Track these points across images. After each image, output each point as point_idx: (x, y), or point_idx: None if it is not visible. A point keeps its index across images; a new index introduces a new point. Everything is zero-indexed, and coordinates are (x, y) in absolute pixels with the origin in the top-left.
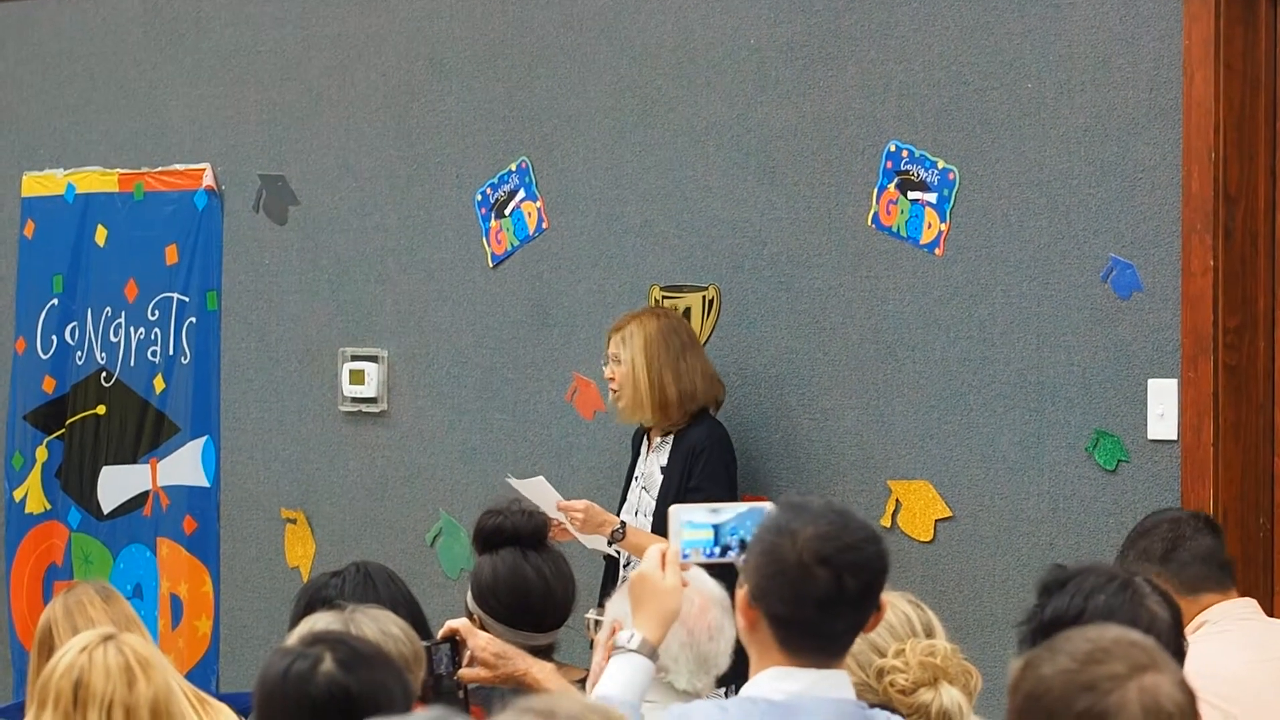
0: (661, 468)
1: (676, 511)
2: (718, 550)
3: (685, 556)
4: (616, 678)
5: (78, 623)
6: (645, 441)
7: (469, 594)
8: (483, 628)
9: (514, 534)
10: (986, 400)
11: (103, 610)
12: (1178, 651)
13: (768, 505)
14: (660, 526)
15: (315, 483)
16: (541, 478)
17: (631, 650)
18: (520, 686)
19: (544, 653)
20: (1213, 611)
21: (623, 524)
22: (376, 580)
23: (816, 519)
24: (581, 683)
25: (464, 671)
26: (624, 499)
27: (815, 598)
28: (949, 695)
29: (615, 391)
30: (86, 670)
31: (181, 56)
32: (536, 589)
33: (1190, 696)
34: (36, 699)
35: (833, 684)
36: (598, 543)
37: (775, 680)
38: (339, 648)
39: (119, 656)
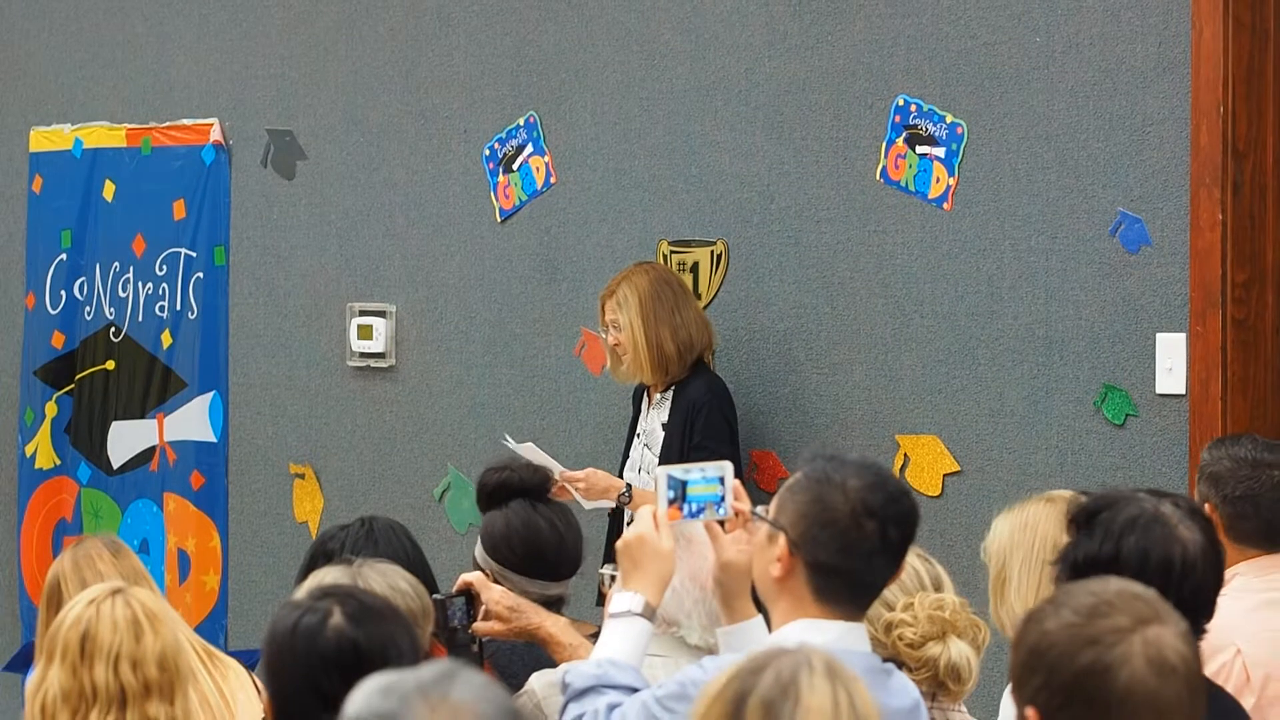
0: (662, 424)
1: (662, 472)
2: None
3: (695, 515)
4: (621, 641)
5: (86, 576)
6: (645, 398)
7: (479, 548)
8: (495, 581)
9: (521, 487)
10: (995, 355)
11: (111, 564)
12: (1217, 566)
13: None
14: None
15: (323, 438)
16: (531, 444)
17: (636, 614)
18: (534, 640)
19: (556, 604)
20: (1243, 566)
21: (628, 487)
22: (383, 535)
23: (860, 471)
24: (594, 637)
25: (478, 625)
26: (626, 456)
27: (861, 549)
28: (957, 649)
29: (620, 356)
30: (94, 623)
31: (189, 11)
32: (549, 538)
33: (1194, 648)
34: (45, 651)
35: (856, 637)
36: (599, 503)
37: (804, 632)
38: (348, 602)
39: (127, 610)
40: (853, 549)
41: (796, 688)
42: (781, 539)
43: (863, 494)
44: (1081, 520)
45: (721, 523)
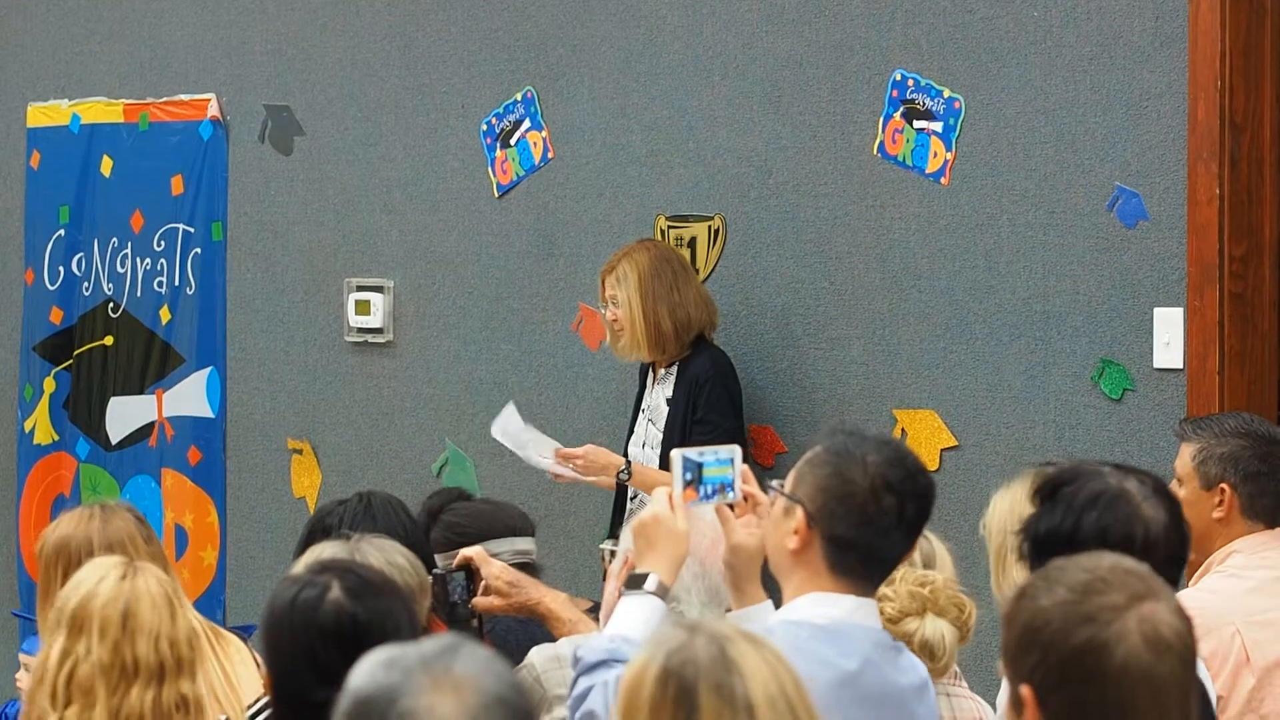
0: (667, 399)
1: (678, 455)
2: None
3: (709, 497)
4: (634, 618)
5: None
6: (651, 374)
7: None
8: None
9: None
10: (992, 329)
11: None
12: (1181, 545)
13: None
14: (667, 460)
15: (321, 413)
16: (511, 406)
17: (650, 592)
18: (533, 615)
19: (534, 571)
20: (1242, 542)
21: (628, 463)
22: (381, 510)
23: (880, 447)
24: (592, 611)
25: (478, 600)
26: (631, 431)
27: (879, 524)
28: (933, 626)
29: (618, 333)
30: (134, 599)
31: None
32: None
33: (1188, 623)
34: (64, 625)
35: (867, 612)
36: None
37: (816, 605)
38: (347, 576)
39: (159, 587)
40: (871, 523)
41: (733, 661)
42: (799, 512)
43: (883, 469)
44: (1045, 493)
45: (730, 506)
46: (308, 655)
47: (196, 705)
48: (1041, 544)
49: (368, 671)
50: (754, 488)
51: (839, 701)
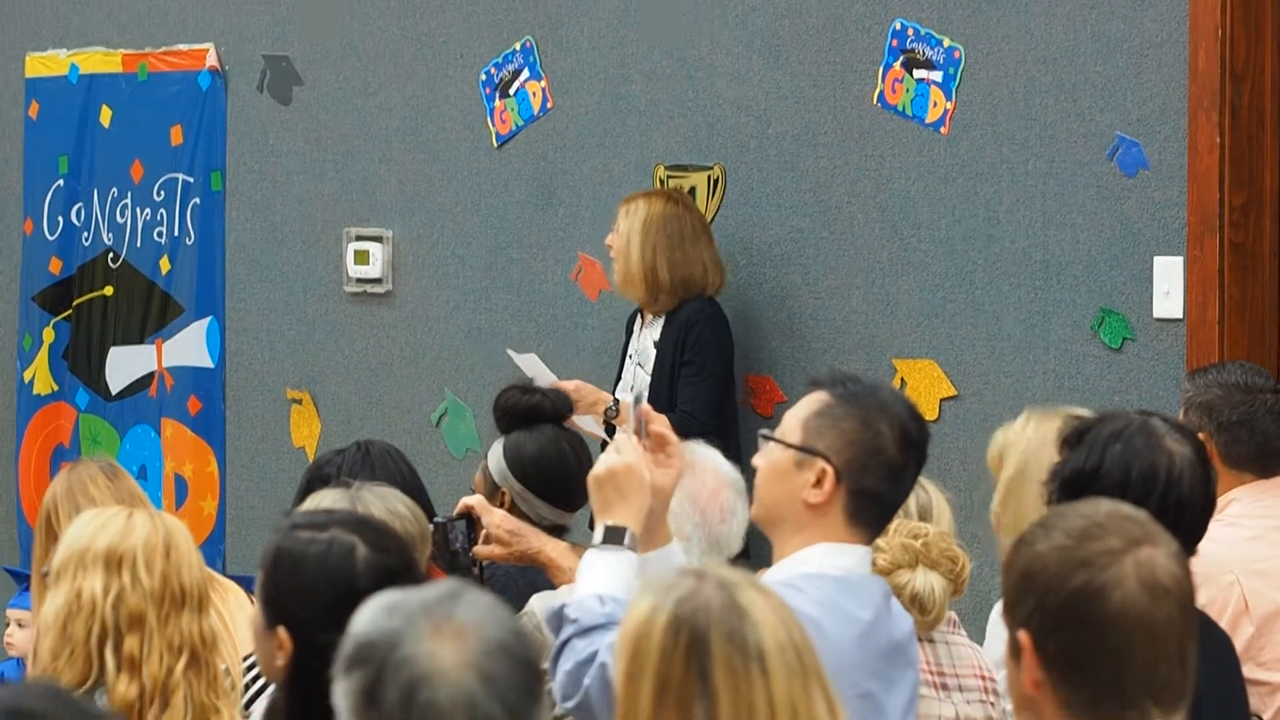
0: (655, 342)
1: (630, 400)
2: None
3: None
4: (614, 575)
5: (80, 501)
6: (640, 319)
7: (496, 467)
8: (512, 503)
9: (552, 413)
10: (992, 279)
11: (107, 488)
12: (1206, 482)
13: None
14: (654, 402)
15: (320, 363)
16: (534, 355)
17: (627, 548)
18: (534, 564)
19: (559, 533)
20: (1241, 491)
21: (616, 401)
22: (379, 459)
23: (896, 398)
24: None
25: (479, 548)
26: (619, 377)
27: (904, 476)
28: (923, 579)
29: (613, 259)
30: (169, 532)
31: None
32: (573, 466)
33: (1186, 569)
34: (98, 563)
35: (868, 562)
36: (588, 423)
37: (828, 556)
38: (366, 532)
39: (180, 526)
40: (895, 476)
41: (744, 609)
42: (821, 465)
43: (904, 422)
44: (1073, 440)
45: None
46: (339, 612)
47: (214, 641)
48: (1068, 485)
49: (370, 617)
50: (664, 428)
51: (862, 658)
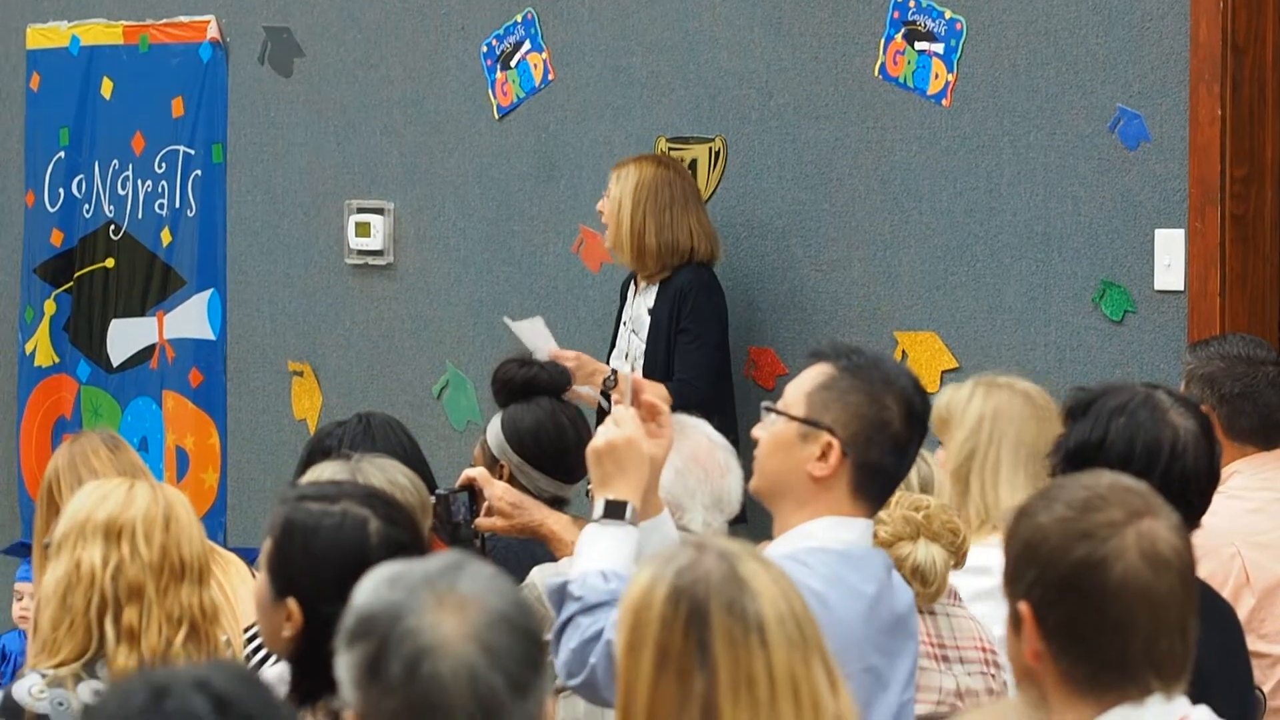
0: (649, 309)
1: (628, 372)
2: None
3: None
4: (616, 551)
5: (82, 473)
6: (633, 285)
7: (494, 440)
8: (510, 476)
9: (548, 385)
10: (993, 251)
11: (109, 460)
12: (1210, 456)
13: None
14: (650, 370)
15: (321, 335)
16: (540, 319)
17: (628, 523)
18: (535, 537)
19: (559, 505)
20: (1243, 463)
21: (614, 372)
22: (380, 431)
23: (901, 372)
24: None
25: (481, 520)
26: (613, 345)
27: (908, 450)
28: (925, 552)
29: (605, 224)
30: (170, 504)
31: None
32: (571, 438)
33: (1187, 540)
34: (97, 534)
35: (870, 535)
36: (586, 389)
37: (832, 529)
38: (377, 505)
39: (181, 498)
40: (900, 450)
41: (744, 580)
42: (827, 438)
43: (909, 395)
44: (1077, 412)
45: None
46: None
47: (214, 613)
48: (1072, 457)
49: (372, 589)
50: (655, 398)
51: (867, 632)
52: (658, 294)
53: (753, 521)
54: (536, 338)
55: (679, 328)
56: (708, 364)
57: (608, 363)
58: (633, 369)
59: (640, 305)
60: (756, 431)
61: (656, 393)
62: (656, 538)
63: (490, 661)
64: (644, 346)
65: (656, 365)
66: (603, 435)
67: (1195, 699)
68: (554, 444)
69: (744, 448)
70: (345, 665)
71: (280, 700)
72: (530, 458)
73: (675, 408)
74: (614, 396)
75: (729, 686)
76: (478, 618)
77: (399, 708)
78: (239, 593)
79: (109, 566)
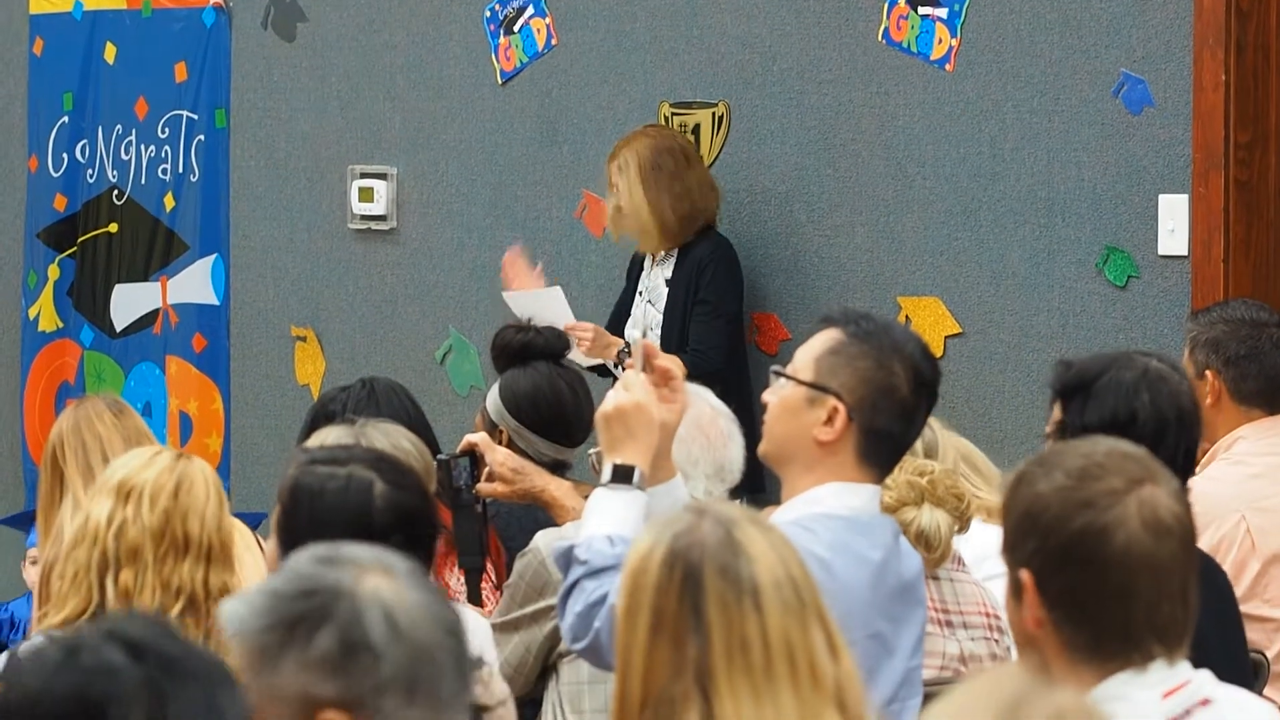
0: (666, 280)
1: (642, 342)
2: None
3: None
4: (624, 515)
5: (86, 438)
6: (650, 257)
7: (493, 405)
8: (510, 440)
9: (545, 350)
10: (997, 216)
11: (113, 425)
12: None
13: None
14: (666, 342)
15: (325, 300)
16: (559, 289)
17: (636, 488)
18: (537, 502)
19: (561, 470)
20: (1248, 428)
21: (627, 345)
22: (384, 396)
23: (910, 337)
24: None
25: (482, 486)
26: (628, 315)
27: (915, 416)
28: (929, 517)
29: (619, 220)
30: (186, 477)
31: None
32: (570, 402)
33: (1187, 506)
34: (108, 491)
35: (877, 502)
36: (579, 358)
37: (838, 496)
38: (384, 468)
39: (208, 472)
40: (908, 416)
41: (739, 544)
42: (833, 403)
43: (916, 361)
44: (1073, 388)
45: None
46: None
47: (222, 594)
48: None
49: (294, 576)
50: (668, 362)
51: (873, 599)
52: (676, 265)
53: (770, 492)
54: (555, 306)
55: (696, 299)
56: (722, 337)
57: (621, 334)
58: (645, 336)
59: (658, 276)
60: (767, 395)
61: (672, 361)
62: (668, 503)
63: (437, 596)
64: (660, 318)
65: (673, 336)
66: (612, 400)
67: (1195, 664)
68: (551, 408)
69: (758, 419)
70: (310, 662)
71: (197, 643)
72: (528, 422)
73: (688, 379)
74: (627, 363)
75: (723, 651)
76: (402, 569)
77: (395, 673)
78: (244, 560)
79: (113, 524)
